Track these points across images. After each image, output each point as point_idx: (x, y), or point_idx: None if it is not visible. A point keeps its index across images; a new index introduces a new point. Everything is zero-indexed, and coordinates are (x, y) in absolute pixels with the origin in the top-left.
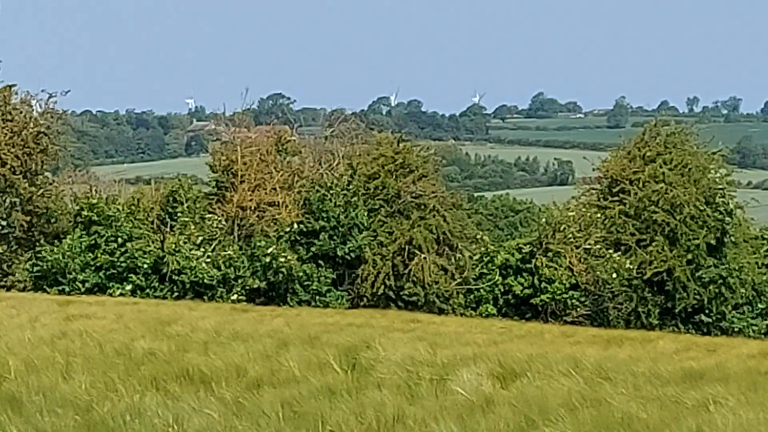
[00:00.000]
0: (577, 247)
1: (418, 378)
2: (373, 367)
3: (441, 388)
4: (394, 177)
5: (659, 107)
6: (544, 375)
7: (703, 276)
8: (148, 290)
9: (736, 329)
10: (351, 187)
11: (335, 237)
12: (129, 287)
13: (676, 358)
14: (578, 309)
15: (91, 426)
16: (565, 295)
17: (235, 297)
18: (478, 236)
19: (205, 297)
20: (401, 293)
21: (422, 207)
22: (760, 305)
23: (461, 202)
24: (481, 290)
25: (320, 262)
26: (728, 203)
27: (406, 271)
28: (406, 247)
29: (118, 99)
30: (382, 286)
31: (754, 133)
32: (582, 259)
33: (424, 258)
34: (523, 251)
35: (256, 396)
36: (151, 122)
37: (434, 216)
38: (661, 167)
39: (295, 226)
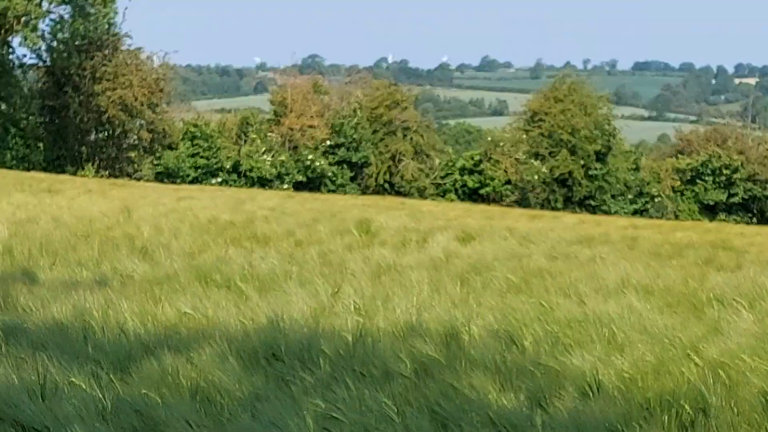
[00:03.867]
0: (510, 157)
1: (407, 240)
2: (379, 232)
3: (422, 246)
4: (388, 109)
5: (565, 65)
6: (489, 238)
7: (592, 174)
8: (230, 182)
9: (612, 211)
10: (361, 116)
11: (351, 149)
12: (219, 180)
13: (576, 228)
14: (510, 197)
15: (196, 267)
16: (501, 188)
17: (286, 187)
18: (445, 149)
19: (267, 186)
20: (393, 186)
21: (407, 129)
22: (629, 195)
23: (431, 125)
24: (447, 185)
25: (342, 165)
26: (610, 128)
27: (397, 171)
28: (397, 155)
29: (209, 55)
30: (381, 181)
31: (626, 82)
32: (513, 165)
33: (408, 163)
34: (475, 159)
35: (302, 249)
36: (231, 72)
37: (415, 135)
38: (566, 105)
39: (327, 142)
